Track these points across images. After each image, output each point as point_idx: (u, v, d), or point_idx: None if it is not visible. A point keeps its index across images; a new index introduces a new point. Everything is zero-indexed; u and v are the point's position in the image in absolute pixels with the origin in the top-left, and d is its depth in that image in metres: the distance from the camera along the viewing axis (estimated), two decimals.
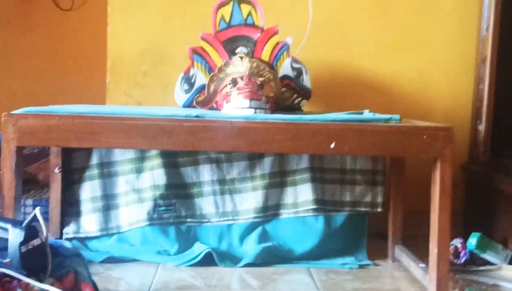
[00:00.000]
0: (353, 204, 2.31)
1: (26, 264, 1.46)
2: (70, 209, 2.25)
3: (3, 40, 3.98)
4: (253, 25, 2.24)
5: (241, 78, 2.09)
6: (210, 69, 2.20)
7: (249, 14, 2.24)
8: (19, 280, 1.44)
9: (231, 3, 2.25)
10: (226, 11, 2.25)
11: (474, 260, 2.23)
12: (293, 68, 2.27)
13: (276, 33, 2.21)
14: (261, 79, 2.11)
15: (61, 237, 2.22)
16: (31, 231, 1.49)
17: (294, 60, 2.30)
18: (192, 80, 2.23)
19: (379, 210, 2.34)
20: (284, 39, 2.22)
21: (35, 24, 3.94)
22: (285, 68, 2.25)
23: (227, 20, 2.24)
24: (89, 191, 2.24)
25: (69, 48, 3.88)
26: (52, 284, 1.46)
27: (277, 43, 2.22)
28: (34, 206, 2.53)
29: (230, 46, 2.21)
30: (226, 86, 2.12)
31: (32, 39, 3.93)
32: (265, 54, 2.21)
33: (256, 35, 2.22)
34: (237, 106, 2.04)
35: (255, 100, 2.03)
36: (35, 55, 3.95)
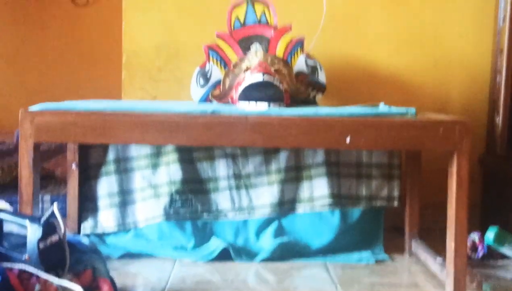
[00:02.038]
0: (370, 198, 2.31)
1: (44, 260, 1.47)
2: (88, 204, 2.27)
3: (20, 36, 4.01)
4: (266, 24, 2.25)
5: (256, 64, 2.09)
6: (225, 65, 2.21)
7: (263, 13, 2.26)
8: (38, 276, 1.45)
9: (245, 3, 2.26)
10: (240, 11, 2.26)
11: (492, 254, 2.21)
12: (307, 65, 2.27)
13: (289, 30, 2.22)
14: (275, 67, 2.11)
15: (79, 233, 2.24)
16: (49, 227, 1.50)
17: (309, 56, 2.29)
18: (208, 75, 2.23)
19: (396, 204, 2.33)
20: (298, 36, 2.22)
21: (51, 20, 3.97)
22: (299, 64, 2.25)
23: (242, 20, 2.25)
24: (106, 186, 2.25)
25: (85, 44, 3.90)
26: (70, 280, 1.47)
27: (291, 40, 2.22)
28: (52, 202, 2.55)
29: (244, 44, 2.22)
30: (241, 81, 2.12)
31: (48, 35, 3.96)
32: (279, 51, 2.21)
33: (269, 34, 2.23)
34: (249, 81, 2.02)
35: (268, 74, 2.02)
36: (51, 51, 3.97)
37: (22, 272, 1.46)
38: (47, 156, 3.28)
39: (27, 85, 4.04)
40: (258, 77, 2.02)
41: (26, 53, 3.98)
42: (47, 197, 2.56)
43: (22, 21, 4.01)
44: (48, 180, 2.84)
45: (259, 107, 2.01)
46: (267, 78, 2.01)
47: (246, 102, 2.05)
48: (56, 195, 2.58)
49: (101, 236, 2.25)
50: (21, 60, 4.02)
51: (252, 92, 2.02)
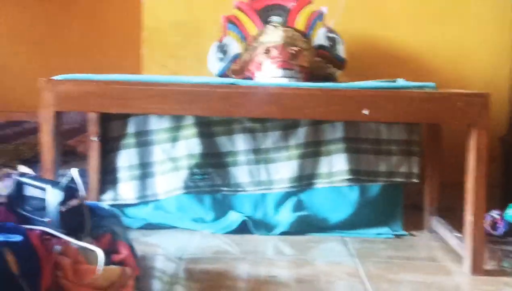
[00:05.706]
0: (389, 174, 2.30)
1: (64, 224, 1.50)
2: (108, 176, 2.30)
3: (44, 18, 4.06)
4: None
5: (275, 47, 2.10)
6: (244, 38, 2.21)
7: None
8: (59, 238, 1.48)
9: None
10: None
11: None
12: (327, 38, 2.26)
13: (310, 2, 2.21)
14: (294, 48, 2.11)
15: None
16: (70, 191, 1.53)
17: (329, 29, 2.29)
18: (226, 49, 2.24)
19: (415, 180, 2.32)
20: (319, 8, 2.21)
21: (75, 2, 4.01)
22: (319, 37, 2.25)
23: None
24: (126, 159, 2.28)
25: (107, 23, 3.93)
26: (89, 243, 1.49)
27: (312, 12, 2.22)
28: None
29: (264, 15, 2.22)
30: (259, 55, 2.13)
31: (71, 13, 4.01)
32: (300, 24, 2.21)
33: (290, 4, 2.23)
34: (269, 76, 2.05)
35: (288, 69, 2.04)
36: (75, 32, 4.02)
37: (43, 234, 1.48)
38: (70, 134, 3.34)
39: (51, 67, 4.07)
40: (277, 73, 2.04)
41: (50, 33, 4.03)
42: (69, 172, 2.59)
43: (47, 4, 4.06)
44: (70, 156, 2.88)
45: (278, 81, 2.02)
46: (287, 73, 2.03)
47: (264, 76, 2.06)
48: (78, 169, 2.61)
49: (121, 208, 2.26)
50: (46, 42, 4.07)
51: None
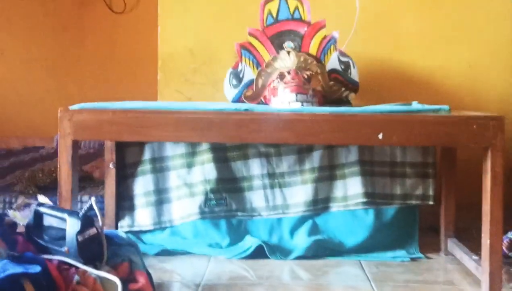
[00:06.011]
0: (404, 197, 2.30)
1: (82, 253, 1.51)
2: (124, 203, 2.31)
3: (59, 44, 4.11)
4: (300, 20, 2.26)
5: (288, 72, 2.12)
6: (258, 64, 2.23)
7: (296, 8, 2.27)
8: (77, 268, 1.49)
9: None
10: (273, 6, 2.27)
11: None
12: (340, 62, 2.28)
13: (323, 27, 2.23)
14: (308, 73, 2.13)
15: None
16: (87, 220, 1.54)
17: (342, 53, 2.30)
18: (241, 75, 2.26)
19: (431, 203, 2.31)
20: (331, 33, 2.23)
21: (89, 28, 4.07)
22: (332, 62, 2.26)
23: (274, 15, 2.27)
24: (142, 185, 2.29)
25: (122, 50, 3.98)
26: (107, 272, 1.51)
27: (324, 37, 2.23)
28: None
29: (277, 41, 2.24)
30: (273, 80, 2.15)
31: (86, 42, 4.06)
32: (312, 48, 2.23)
33: (303, 30, 2.25)
34: (284, 100, 2.06)
35: (302, 94, 2.06)
36: (90, 58, 4.07)
37: (61, 263, 1.50)
38: (86, 159, 3.37)
39: (67, 93, 4.13)
40: (291, 97, 2.06)
41: (65, 61, 4.09)
42: (85, 198, 2.62)
43: (61, 30, 4.11)
44: (87, 181, 2.90)
45: (292, 106, 2.03)
46: (301, 98, 2.05)
47: (279, 101, 2.07)
48: (94, 196, 2.64)
49: (138, 234, 2.29)
50: (61, 68, 4.12)
51: None
